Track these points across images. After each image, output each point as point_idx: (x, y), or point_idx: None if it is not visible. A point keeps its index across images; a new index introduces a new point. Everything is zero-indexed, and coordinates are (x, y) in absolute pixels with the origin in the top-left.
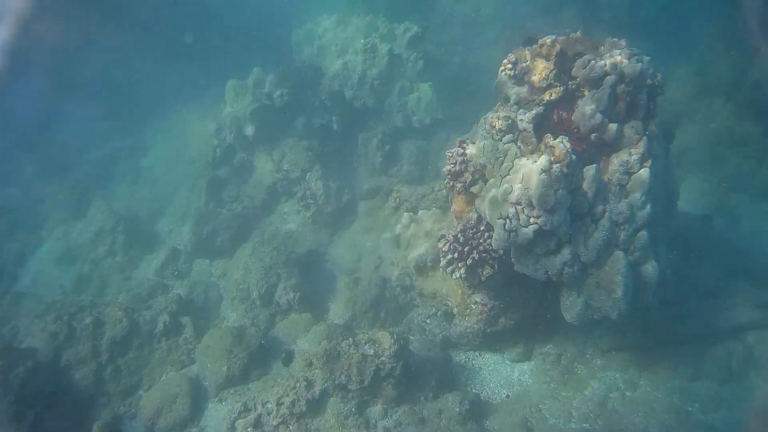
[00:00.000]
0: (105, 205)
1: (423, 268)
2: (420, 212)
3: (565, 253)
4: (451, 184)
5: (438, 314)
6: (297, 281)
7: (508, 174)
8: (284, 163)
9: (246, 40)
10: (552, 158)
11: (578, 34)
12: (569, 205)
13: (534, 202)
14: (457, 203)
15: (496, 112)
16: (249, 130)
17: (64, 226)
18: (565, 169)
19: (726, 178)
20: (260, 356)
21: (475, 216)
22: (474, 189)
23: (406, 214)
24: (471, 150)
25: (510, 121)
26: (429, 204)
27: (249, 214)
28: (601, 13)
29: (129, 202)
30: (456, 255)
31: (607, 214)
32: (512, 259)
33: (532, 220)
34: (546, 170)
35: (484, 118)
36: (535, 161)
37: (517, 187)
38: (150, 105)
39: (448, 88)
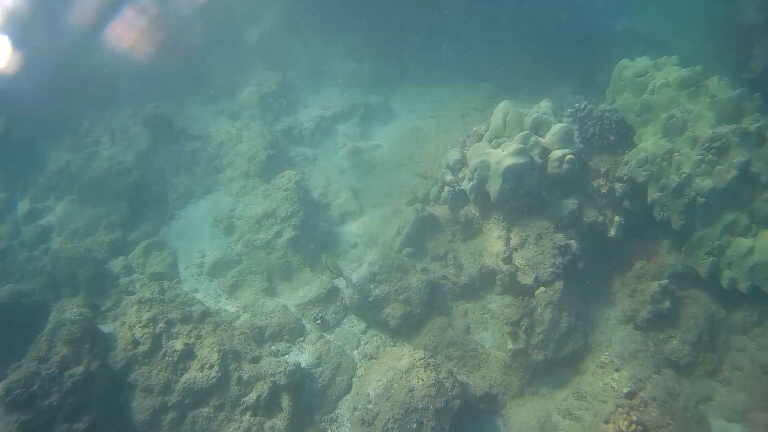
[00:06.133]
0: (295, 178)
1: None
2: None
3: None
4: None
5: None
6: None
7: None
8: (518, 257)
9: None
10: None
11: None
12: None
13: None
14: None
15: None
16: (494, 189)
17: (244, 182)
18: None
19: None
20: None
21: None
22: None
23: None
24: None
25: None
26: None
27: (445, 289)
28: None
29: (328, 179)
30: None
31: None
32: None
33: None
34: None
35: None
36: None
37: None
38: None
39: None
